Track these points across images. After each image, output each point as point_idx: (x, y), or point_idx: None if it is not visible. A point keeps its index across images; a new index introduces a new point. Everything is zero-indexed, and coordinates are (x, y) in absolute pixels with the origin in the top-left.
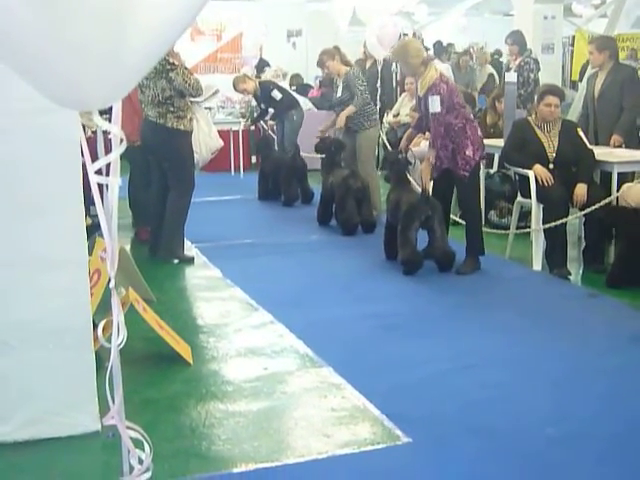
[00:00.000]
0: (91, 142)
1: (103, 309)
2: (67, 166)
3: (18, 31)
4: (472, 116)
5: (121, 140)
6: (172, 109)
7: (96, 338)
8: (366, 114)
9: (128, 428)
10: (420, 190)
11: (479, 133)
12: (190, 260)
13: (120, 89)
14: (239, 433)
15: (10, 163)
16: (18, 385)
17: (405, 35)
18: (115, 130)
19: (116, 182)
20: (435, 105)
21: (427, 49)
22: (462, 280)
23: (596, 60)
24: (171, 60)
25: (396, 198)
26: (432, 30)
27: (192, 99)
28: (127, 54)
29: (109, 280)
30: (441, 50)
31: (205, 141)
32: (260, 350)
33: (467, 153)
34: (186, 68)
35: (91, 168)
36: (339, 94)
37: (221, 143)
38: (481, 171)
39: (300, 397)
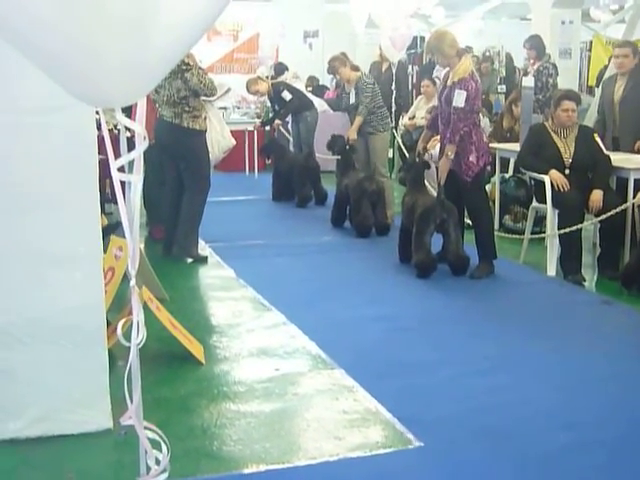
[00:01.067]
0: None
1: (116, 307)
2: (82, 163)
3: (42, 32)
4: (480, 122)
5: (144, 137)
6: (187, 109)
7: (109, 336)
8: (379, 117)
9: (145, 428)
10: (436, 194)
11: (484, 139)
12: (204, 259)
13: (142, 88)
14: (250, 434)
15: (25, 160)
16: (30, 382)
17: (422, 37)
18: (138, 128)
19: (139, 180)
20: (460, 100)
21: None
22: (475, 284)
23: (629, 64)
24: (186, 60)
25: (411, 201)
26: None
27: (205, 98)
28: (148, 55)
29: (124, 277)
30: (468, 51)
31: (217, 140)
32: (272, 351)
33: (470, 159)
34: (201, 68)
35: (114, 165)
36: (352, 100)
37: (233, 142)
38: (496, 176)
39: (312, 399)
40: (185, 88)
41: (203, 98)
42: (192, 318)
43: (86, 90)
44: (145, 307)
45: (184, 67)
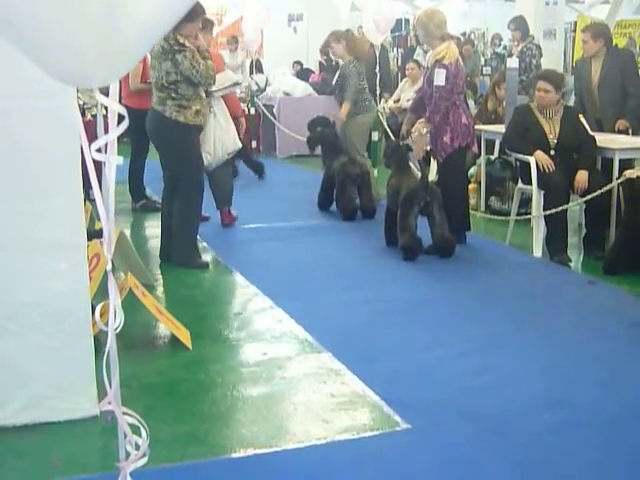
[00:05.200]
0: (90, 126)
1: (102, 293)
2: (66, 149)
3: (19, 3)
4: (462, 104)
5: (122, 118)
6: (174, 95)
7: (95, 322)
8: (357, 100)
9: (124, 414)
10: (420, 176)
11: (464, 121)
12: (205, 266)
13: (121, 65)
14: (238, 418)
15: (8, 146)
16: (16, 369)
17: (407, 20)
18: (116, 107)
19: (114, 160)
20: (440, 78)
21: None
22: (462, 266)
23: (591, 49)
24: (181, 40)
25: (396, 184)
26: None
27: (210, 90)
28: (127, 26)
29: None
30: (452, 37)
31: (222, 139)
32: (259, 335)
33: (445, 139)
34: (201, 52)
35: (86, 148)
36: (334, 80)
37: (238, 145)
38: (481, 158)
39: (299, 382)
40: (175, 72)
41: (213, 89)
42: (178, 304)
43: (64, 68)
44: (131, 293)
45: (176, 47)
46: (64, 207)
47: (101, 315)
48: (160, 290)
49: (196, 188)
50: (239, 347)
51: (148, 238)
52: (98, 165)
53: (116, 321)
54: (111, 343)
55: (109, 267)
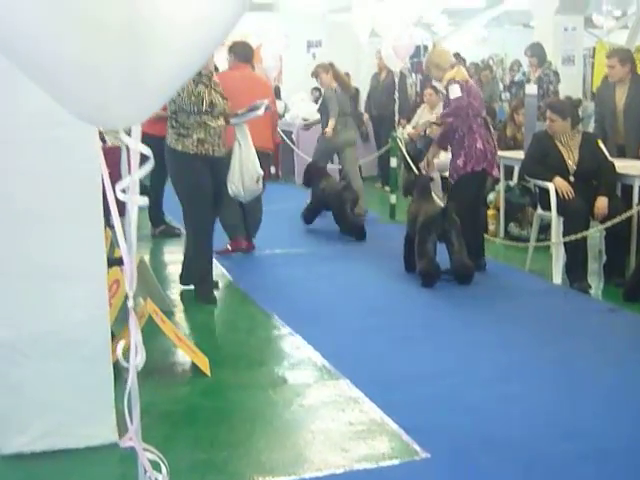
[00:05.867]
0: (110, 152)
1: (122, 320)
2: (86, 178)
3: (40, 53)
4: (477, 127)
5: (147, 158)
6: (174, 124)
7: (114, 350)
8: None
9: (145, 450)
10: (441, 203)
11: (479, 145)
12: (212, 301)
13: (144, 109)
14: (257, 446)
15: (28, 175)
16: (35, 396)
17: (425, 46)
18: (142, 149)
19: (137, 201)
20: (455, 91)
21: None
22: (481, 292)
23: (617, 74)
24: None
25: (415, 211)
26: (451, 41)
27: (232, 120)
28: (148, 76)
29: (127, 297)
30: (459, 62)
31: (248, 168)
32: (278, 362)
33: (458, 162)
34: (206, 83)
35: (107, 176)
36: (317, 106)
37: (260, 172)
38: (500, 184)
39: (318, 410)
40: (174, 100)
41: (233, 120)
42: (197, 329)
43: (88, 112)
44: (150, 319)
45: None
46: (84, 234)
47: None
48: (179, 316)
49: (193, 219)
50: (258, 374)
51: (167, 264)
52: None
53: (138, 357)
54: (132, 380)
55: (131, 304)
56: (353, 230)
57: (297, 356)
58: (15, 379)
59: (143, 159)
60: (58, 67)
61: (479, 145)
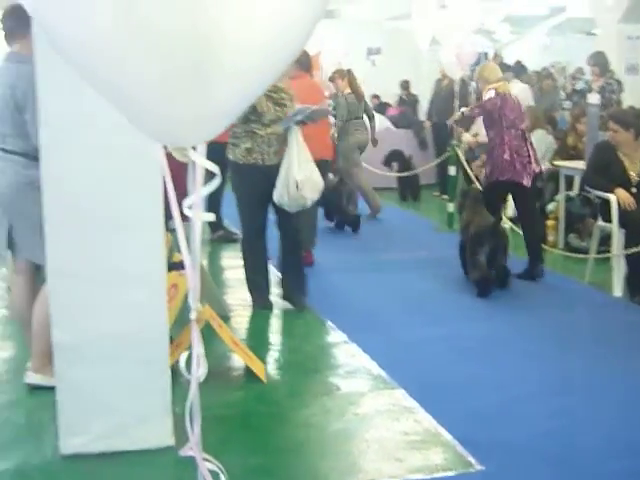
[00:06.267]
0: (172, 157)
1: (179, 324)
2: (148, 183)
3: (113, 73)
4: (510, 139)
5: (213, 175)
6: (230, 133)
7: (172, 353)
8: (346, 127)
9: (205, 460)
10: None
11: (506, 157)
12: (265, 306)
13: (215, 127)
14: (311, 453)
15: (93, 180)
16: (94, 398)
17: (485, 54)
18: (207, 165)
19: (203, 217)
20: (489, 94)
21: (508, 67)
22: (539, 304)
23: None
24: None
25: (467, 219)
26: (513, 49)
27: (280, 124)
28: (222, 93)
29: (187, 304)
30: (521, 70)
31: (295, 178)
32: (333, 370)
33: (486, 170)
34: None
35: (169, 182)
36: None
37: (319, 185)
38: (561, 194)
39: (372, 419)
40: None
41: (281, 125)
42: (253, 335)
43: (156, 130)
44: (207, 325)
45: None
46: (145, 239)
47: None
48: (235, 321)
49: (245, 226)
50: (312, 381)
51: (225, 269)
52: (181, 192)
53: (200, 370)
54: (194, 391)
55: (194, 316)
56: (349, 222)
57: (352, 364)
58: (75, 380)
59: (210, 176)
60: (130, 87)
61: (506, 156)
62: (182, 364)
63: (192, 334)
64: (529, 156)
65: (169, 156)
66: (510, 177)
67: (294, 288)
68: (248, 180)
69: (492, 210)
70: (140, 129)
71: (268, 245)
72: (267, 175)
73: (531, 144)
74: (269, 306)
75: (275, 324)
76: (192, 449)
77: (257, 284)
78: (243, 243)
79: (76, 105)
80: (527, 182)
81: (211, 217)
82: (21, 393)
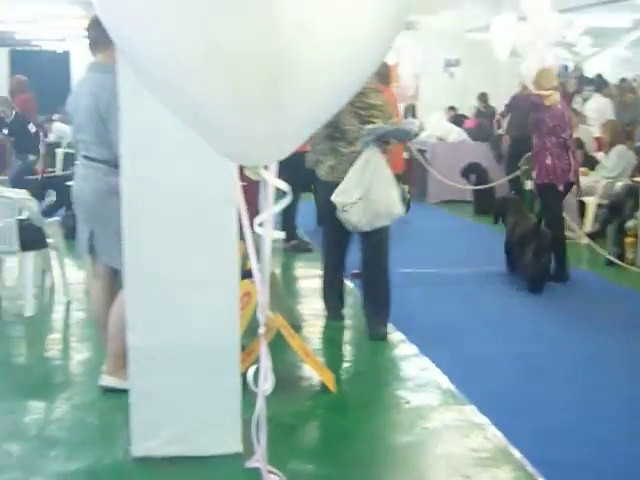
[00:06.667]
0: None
1: (251, 332)
2: (223, 193)
3: (187, 94)
4: (552, 145)
5: (284, 193)
6: (313, 148)
7: (243, 360)
8: None
9: (270, 473)
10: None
11: (547, 162)
12: (337, 318)
13: (288, 146)
14: (378, 466)
15: (171, 187)
16: (166, 403)
17: (565, 67)
18: (278, 184)
19: (274, 235)
20: None
21: (589, 81)
22: (617, 322)
23: None
24: None
25: (513, 222)
26: (593, 62)
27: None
28: (296, 113)
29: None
30: (602, 84)
31: (369, 199)
32: (403, 383)
33: (533, 174)
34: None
35: (245, 216)
36: None
37: (399, 211)
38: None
39: (441, 434)
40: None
41: (360, 142)
42: (324, 345)
43: (232, 150)
44: (278, 334)
45: None
46: (218, 246)
47: (244, 362)
48: (307, 331)
49: (324, 239)
50: (382, 393)
51: (298, 278)
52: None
53: (266, 384)
54: (261, 405)
55: (262, 331)
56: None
57: (422, 378)
58: (148, 384)
59: (281, 195)
60: (204, 107)
61: (548, 161)
62: (250, 378)
63: (260, 348)
64: (569, 164)
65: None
66: (552, 180)
67: (372, 315)
68: (329, 197)
69: (546, 212)
70: (214, 148)
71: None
72: None
73: (573, 154)
74: (341, 318)
75: (346, 335)
76: (258, 461)
77: (331, 297)
78: (324, 255)
79: (156, 115)
80: (562, 188)
81: (281, 235)
82: (95, 395)
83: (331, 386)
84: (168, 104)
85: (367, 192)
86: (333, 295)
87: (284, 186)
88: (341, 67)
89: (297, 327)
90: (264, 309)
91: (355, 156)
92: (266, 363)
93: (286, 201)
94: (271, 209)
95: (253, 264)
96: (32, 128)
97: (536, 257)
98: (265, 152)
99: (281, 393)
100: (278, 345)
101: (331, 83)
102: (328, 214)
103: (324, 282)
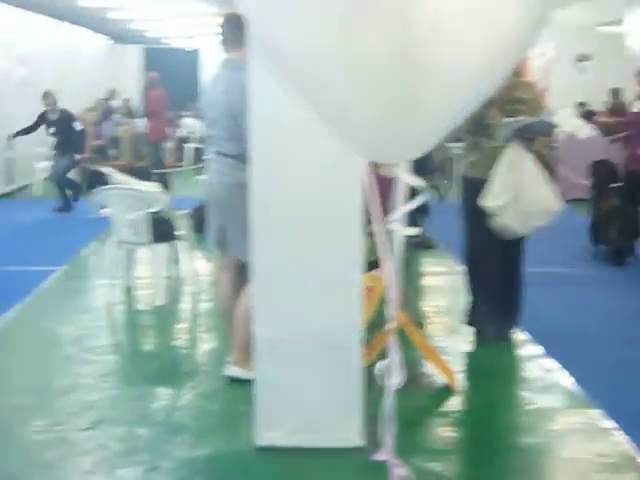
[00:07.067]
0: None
1: (374, 326)
2: (350, 187)
3: (324, 89)
4: None
5: (417, 192)
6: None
7: (366, 355)
8: None
9: (397, 466)
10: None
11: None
12: (503, 338)
13: (421, 145)
14: (499, 466)
15: (298, 182)
16: (289, 394)
17: None
18: (412, 181)
19: (406, 232)
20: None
21: None
22: None
23: None
24: None
25: (600, 203)
26: None
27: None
28: (425, 116)
29: (382, 311)
30: None
31: (524, 200)
32: (528, 384)
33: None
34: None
35: (376, 212)
36: None
37: (556, 208)
38: None
39: (565, 437)
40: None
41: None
42: (445, 344)
43: (365, 146)
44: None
45: None
46: (345, 241)
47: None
48: (429, 328)
49: (465, 242)
50: (505, 393)
51: (421, 275)
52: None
53: (396, 378)
54: (390, 399)
55: (391, 326)
56: None
57: (547, 379)
58: (273, 375)
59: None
60: (343, 106)
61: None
62: (380, 371)
63: (390, 343)
64: None
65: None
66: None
67: (501, 316)
68: (471, 194)
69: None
70: (351, 147)
71: None
72: None
73: None
74: (493, 339)
75: (470, 333)
76: (385, 454)
77: (485, 313)
78: (465, 259)
79: (285, 112)
80: None
81: (415, 231)
82: (220, 384)
83: (453, 384)
84: (309, 102)
85: (518, 193)
86: (489, 313)
87: (419, 183)
88: (481, 65)
89: (419, 324)
90: (394, 304)
91: (497, 151)
92: (396, 358)
93: (422, 198)
94: (406, 206)
95: (385, 260)
96: (77, 126)
97: (620, 234)
98: (401, 150)
99: (403, 390)
100: (400, 342)
101: (469, 81)
102: (470, 212)
103: (471, 293)
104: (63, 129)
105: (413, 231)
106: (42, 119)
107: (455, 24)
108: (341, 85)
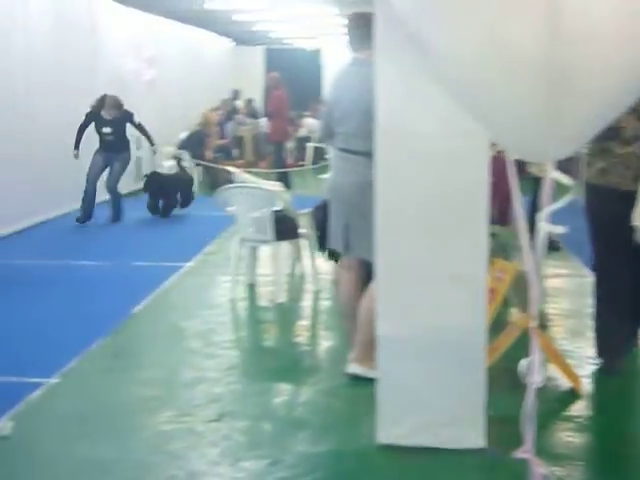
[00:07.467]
0: (494, 161)
1: (495, 327)
2: (475, 187)
3: (475, 88)
4: None
5: (568, 188)
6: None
7: (487, 356)
8: None
9: (538, 466)
10: None
11: None
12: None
13: (569, 146)
14: (628, 474)
15: (423, 181)
16: (411, 392)
17: None
18: (566, 181)
19: (553, 230)
20: None
21: None
22: None
23: None
24: None
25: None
26: None
27: None
28: (570, 117)
29: (501, 312)
30: None
31: None
32: None
33: None
34: None
35: (520, 213)
36: None
37: None
38: None
39: None
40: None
41: None
42: (567, 347)
43: (513, 145)
44: (524, 332)
45: None
46: (470, 241)
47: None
48: (553, 330)
49: (597, 262)
50: (633, 399)
51: (544, 277)
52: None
53: (538, 376)
54: (530, 397)
55: (533, 325)
56: None
57: None
58: (396, 374)
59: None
60: (491, 104)
61: None
62: (522, 369)
63: (532, 341)
64: None
65: (495, 160)
66: None
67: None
68: (599, 204)
69: None
70: (501, 144)
71: None
72: (625, 203)
73: None
74: (619, 370)
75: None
76: (526, 453)
77: (607, 337)
78: (595, 277)
79: (409, 110)
80: None
81: (560, 230)
82: (341, 382)
83: (578, 388)
84: (460, 101)
85: None
86: (611, 336)
87: (569, 182)
88: (626, 70)
89: (543, 326)
90: (535, 303)
91: (631, 158)
92: (539, 356)
93: (569, 197)
94: (554, 205)
95: (527, 259)
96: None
97: None
98: (549, 149)
99: (512, 392)
100: (521, 342)
101: (613, 86)
102: (601, 227)
103: (598, 316)
104: (119, 130)
105: (560, 229)
106: (90, 118)
107: (604, 32)
108: (487, 88)
